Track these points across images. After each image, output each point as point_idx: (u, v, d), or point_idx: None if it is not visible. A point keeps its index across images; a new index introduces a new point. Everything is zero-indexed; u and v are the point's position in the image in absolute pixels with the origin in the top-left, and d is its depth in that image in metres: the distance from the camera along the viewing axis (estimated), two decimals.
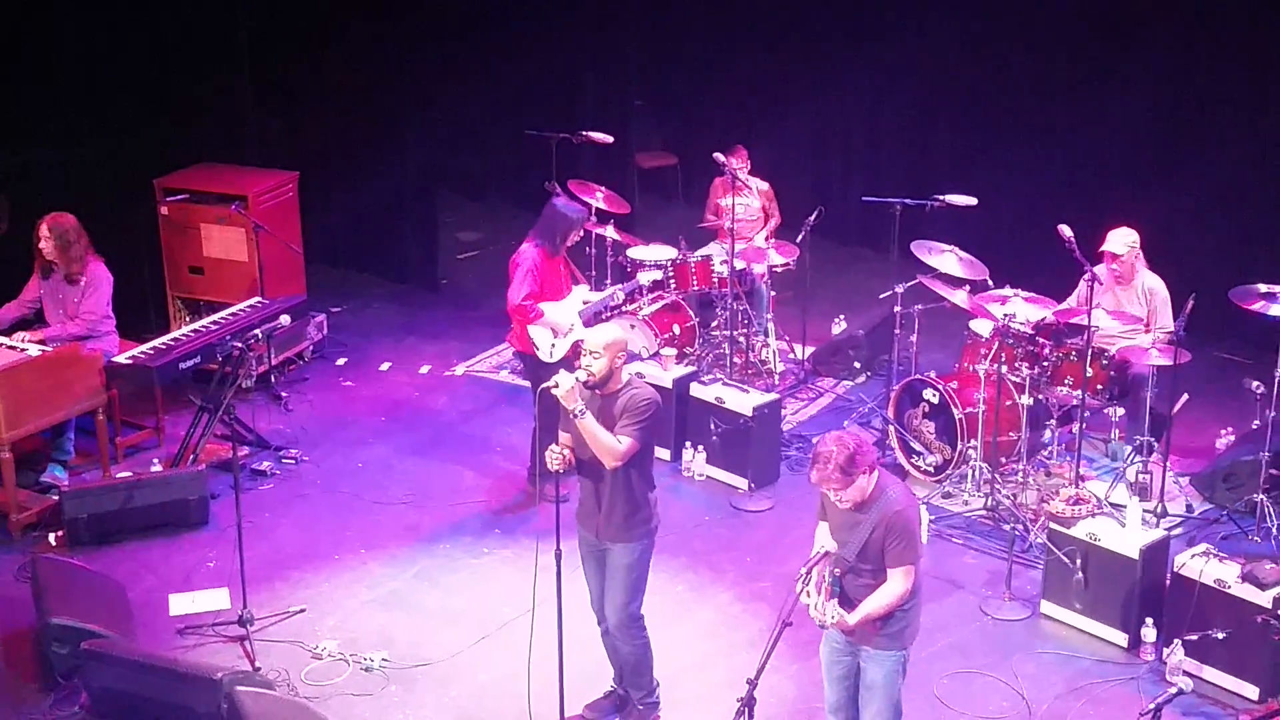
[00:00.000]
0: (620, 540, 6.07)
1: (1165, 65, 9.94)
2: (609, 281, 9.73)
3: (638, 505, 6.04)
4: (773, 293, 9.88)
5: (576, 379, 5.86)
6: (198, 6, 10.34)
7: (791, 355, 9.92)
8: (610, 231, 9.67)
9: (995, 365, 8.03)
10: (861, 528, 5.34)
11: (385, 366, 10.10)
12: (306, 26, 10.97)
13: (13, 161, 9.59)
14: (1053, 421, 8.34)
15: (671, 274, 9.60)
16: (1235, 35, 9.62)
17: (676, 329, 9.43)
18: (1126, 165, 10.15)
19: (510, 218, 12.66)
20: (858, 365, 9.77)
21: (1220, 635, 6.45)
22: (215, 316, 8.84)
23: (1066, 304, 8.30)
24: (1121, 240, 8.20)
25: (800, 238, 9.53)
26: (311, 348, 10.08)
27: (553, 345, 7.89)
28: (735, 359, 9.37)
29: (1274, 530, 7.56)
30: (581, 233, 8.01)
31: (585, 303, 8.15)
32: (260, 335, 7.97)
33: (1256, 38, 9.54)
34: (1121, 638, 6.93)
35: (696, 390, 8.59)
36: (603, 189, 9.73)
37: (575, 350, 7.54)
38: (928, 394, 8.29)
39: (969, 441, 8.12)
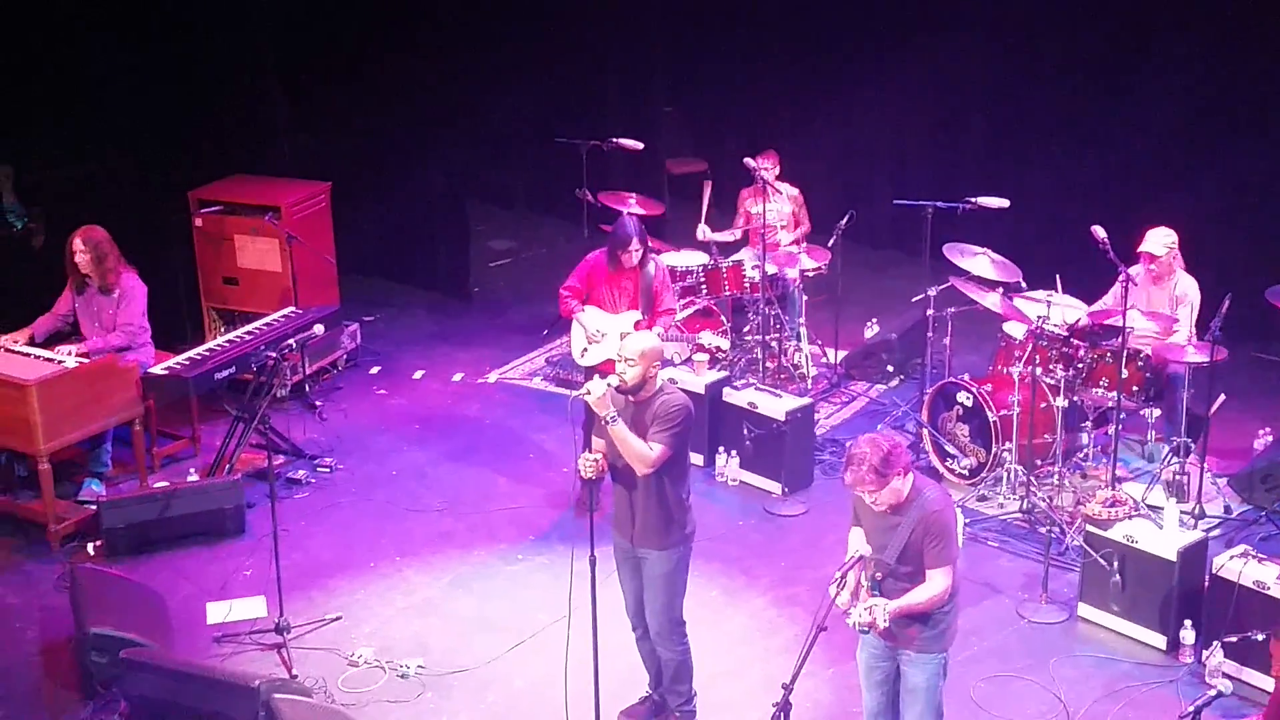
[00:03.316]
0: (655, 548, 6.07)
1: (1198, 63, 9.86)
2: None
3: (671, 512, 6.03)
4: (805, 297, 9.86)
5: (609, 384, 5.88)
6: (230, 20, 10.41)
7: (824, 359, 9.90)
8: None
9: (1029, 367, 7.99)
10: (900, 530, 5.33)
11: (418, 375, 10.13)
12: (337, 38, 11.03)
13: (48, 177, 9.69)
14: (1088, 423, 8.29)
15: (703, 279, 9.60)
16: (1267, 34, 9.55)
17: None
18: (1160, 164, 10.08)
19: (541, 226, 12.71)
20: (891, 369, 9.75)
21: (1260, 637, 6.38)
22: (249, 327, 8.88)
23: (1101, 304, 8.25)
24: (1160, 241, 8.15)
25: (832, 242, 9.52)
26: (345, 357, 10.13)
27: (584, 349, 7.93)
28: (768, 363, 9.36)
29: None
30: (638, 250, 7.86)
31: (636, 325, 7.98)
32: (294, 345, 8.01)
33: None
34: (1160, 640, 6.89)
35: (729, 395, 8.58)
36: (634, 194, 9.74)
37: (605, 368, 7.53)
38: (961, 397, 8.26)
39: (1004, 444, 8.09)
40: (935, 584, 5.34)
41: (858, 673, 5.74)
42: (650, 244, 8.02)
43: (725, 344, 9.03)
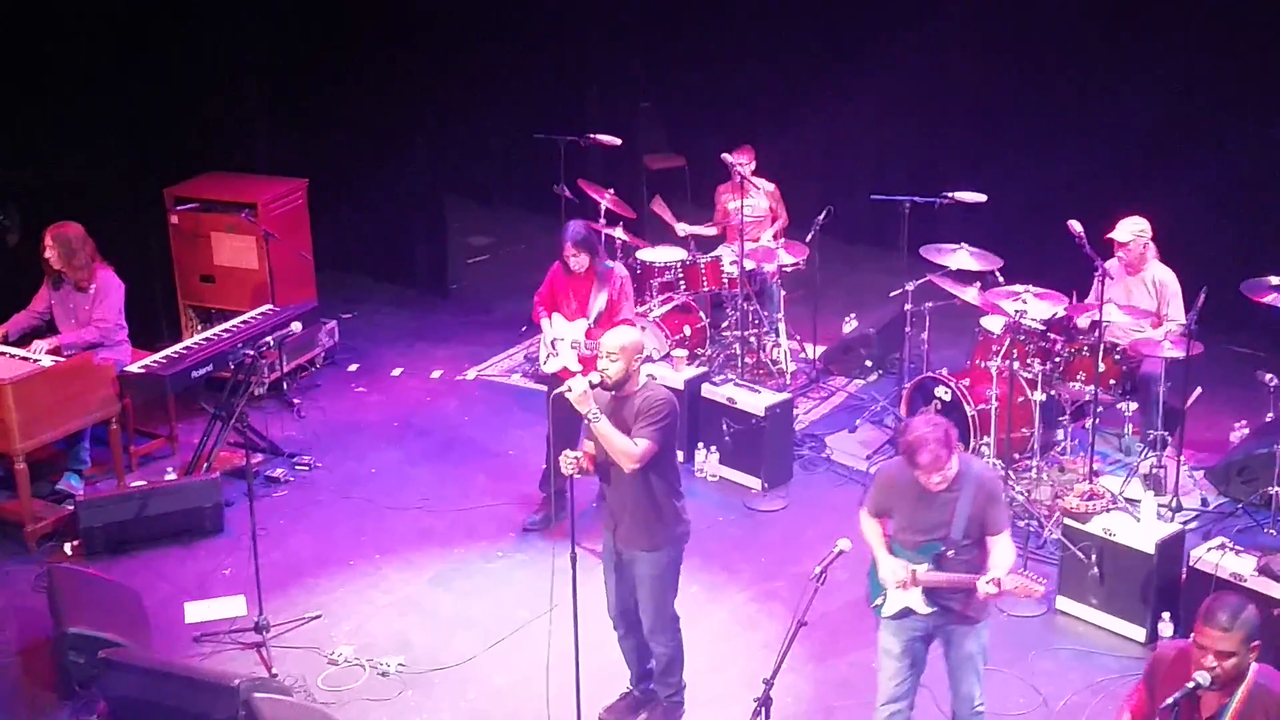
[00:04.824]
0: (643, 548, 6.06)
1: (1175, 59, 9.92)
2: None
3: (660, 512, 6.01)
4: (783, 292, 9.87)
5: (590, 382, 5.86)
6: (209, 17, 10.35)
7: (803, 354, 9.92)
8: (619, 233, 9.67)
9: (1007, 362, 8.02)
10: (960, 503, 5.47)
11: (397, 372, 10.11)
12: (316, 35, 10.99)
13: (24, 174, 9.63)
14: (1065, 417, 8.32)
15: (682, 275, 9.60)
16: (1245, 29, 9.59)
17: (687, 330, 9.43)
18: (1137, 159, 10.11)
19: (519, 222, 12.69)
20: (869, 364, 9.77)
21: None
22: (227, 324, 8.86)
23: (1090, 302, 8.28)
24: (1128, 228, 8.18)
25: (810, 237, 9.53)
26: (323, 354, 10.10)
27: (547, 356, 7.84)
28: (746, 359, 9.36)
29: None
30: (575, 255, 7.63)
31: (588, 334, 7.75)
32: (272, 342, 8.00)
33: (1267, 31, 9.51)
34: (1139, 632, 6.93)
35: (708, 391, 8.59)
36: (610, 190, 9.73)
37: (564, 375, 7.49)
38: (940, 391, 8.28)
39: (982, 438, 8.11)
40: (1009, 545, 5.52)
41: (881, 662, 5.78)
42: (601, 253, 7.75)
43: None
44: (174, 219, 9.84)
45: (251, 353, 7.85)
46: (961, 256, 8.31)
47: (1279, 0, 9.42)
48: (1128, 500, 7.51)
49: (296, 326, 8.43)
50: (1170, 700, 4.63)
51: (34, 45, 9.57)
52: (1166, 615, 6.85)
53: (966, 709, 5.82)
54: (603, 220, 9.63)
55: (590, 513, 7.80)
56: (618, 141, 10.11)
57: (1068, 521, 7.15)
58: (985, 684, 6.57)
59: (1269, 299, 7.64)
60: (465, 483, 8.55)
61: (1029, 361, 8.06)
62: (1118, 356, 8.04)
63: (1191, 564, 6.77)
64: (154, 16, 10.02)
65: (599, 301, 7.67)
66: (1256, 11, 9.48)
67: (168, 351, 8.41)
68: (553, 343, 7.75)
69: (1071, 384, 8.10)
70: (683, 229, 9.94)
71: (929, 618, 5.63)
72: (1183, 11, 9.78)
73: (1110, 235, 8.19)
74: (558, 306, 7.78)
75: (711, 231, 10.11)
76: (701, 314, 9.63)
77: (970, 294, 8.27)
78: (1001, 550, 5.51)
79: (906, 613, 5.64)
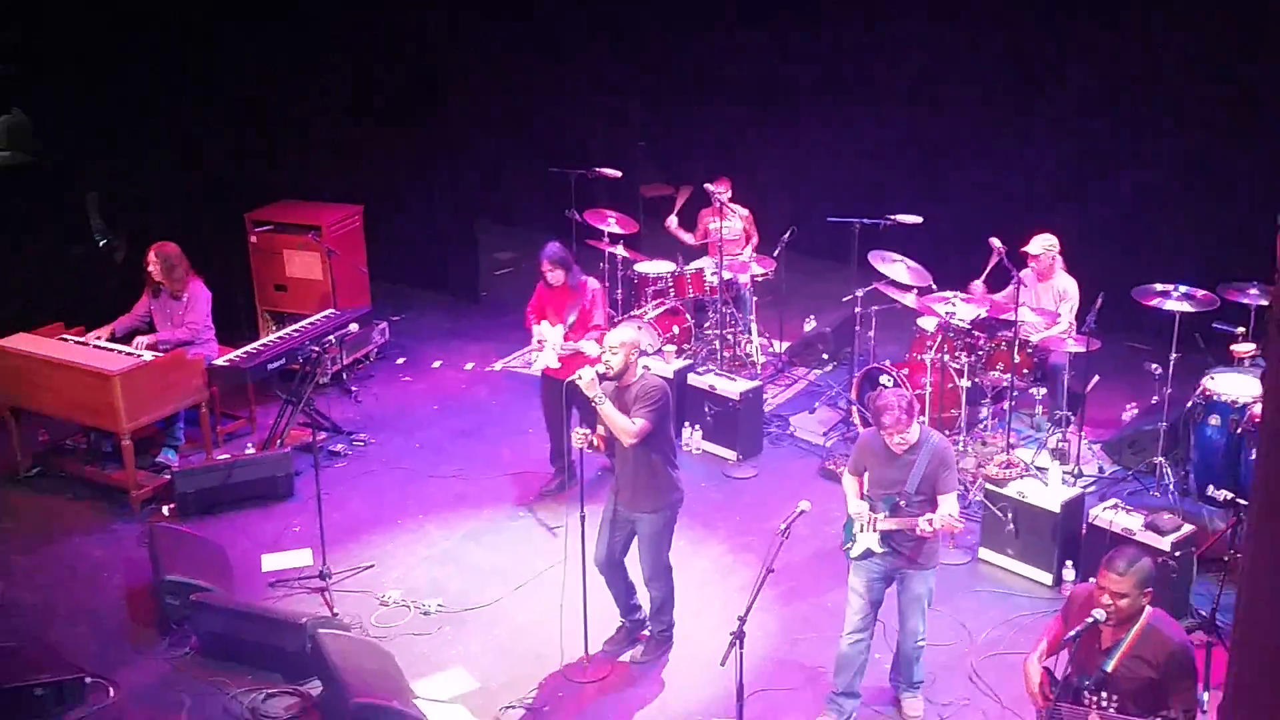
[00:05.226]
0: (645, 511, 6.06)
1: (1080, 102, 9.89)
2: (619, 291, 9.74)
3: (659, 479, 6.02)
4: (755, 298, 9.85)
5: (597, 372, 5.87)
6: (287, 72, 10.34)
7: (771, 349, 9.89)
8: (620, 250, 9.65)
9: (939, 355, 8.01)
10: (918, 464, 5.55)
11: (437, 364, 10.09)
12: (372, 88, 10.98)
13: (130, 200, 9.62)
14: (987, 400, 8.31)
15: (671, 284, 9.58)
16: (1135, 79, 9.57)
17: (676, 329, 9.41)
18: (1048, 186, 10.09)
19: (538, 240, 12.49)
20: (826, 356, 9.75)
21: None
22: (296, 325, 8.83)
23: (1002, 295, 8.27)
24: (1039, 243, 8.20)
25: (777, 252, 9.51)
26: (376, 350, 10.08)
27: (535, 356, 7.81)
28: (724, 353, 9.35)
29: (1170, 487, 7.54)
30: (551, 270, 7.58)
31: (566, 337, 7.63)
32: (334, 340, 8.00)
33: (1154, 82, 9.50)
34: (1047, 577, 6.93)
35: (693, 379, 8.58)
36: (614, 214, 9.71)
37: (549, 373, 7.48)
38: (884, 379, 8.26)
39: (918, 418, 8.07)
40: (954, 503, 5.58)
41: (849, 598, 5.78)
42: (574, 269, 7.59)
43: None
44: (253, 238, 9.82)
45: (317, 349, 7.86)
46: (900, 269, 8.30)
47: (1167, 41, 9.38)
48: (1038, 468, 7.50)
49: (354, 327, 8.42)
50: (1072, 633, 4.63)
51: (141, 91, 9.55)
52: (1069, 563, 6.86)
53: (911, 643, 5.84)
54: (606, 239, 9.61)
55: (596, 480, 7.81)
56: (619, 174, 10.09)
57: (989, 486, 7.16)
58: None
59: (1154, 302, 7.64)
60: (493, 455, 8.54)
61: (957, 355, 8.06)
62: (1030, 350, 8.04)
63: (1090, 521, 6.77)
64: (244, 68, 10.02)
65: (574, 310, 7.64)
66: (1144, 57, 9.45)
67: (248, 348, 8.39)
68: (538, 343, 7.74)
69: (992, 373, 8.09)
70: (673, 221, 9.93)
71: (884, 558, 5.65)
72: (1083, 65, 9.76)
73: (1025, 249, 8.19)
74: (544, 315, 7.76)
75: (690, 239, 10.06)
76: (687, 316, 9.59)
77: (909, 299, 8.26)
78: (946, 506, 5.56)
79: (868, 554, 5.68)
